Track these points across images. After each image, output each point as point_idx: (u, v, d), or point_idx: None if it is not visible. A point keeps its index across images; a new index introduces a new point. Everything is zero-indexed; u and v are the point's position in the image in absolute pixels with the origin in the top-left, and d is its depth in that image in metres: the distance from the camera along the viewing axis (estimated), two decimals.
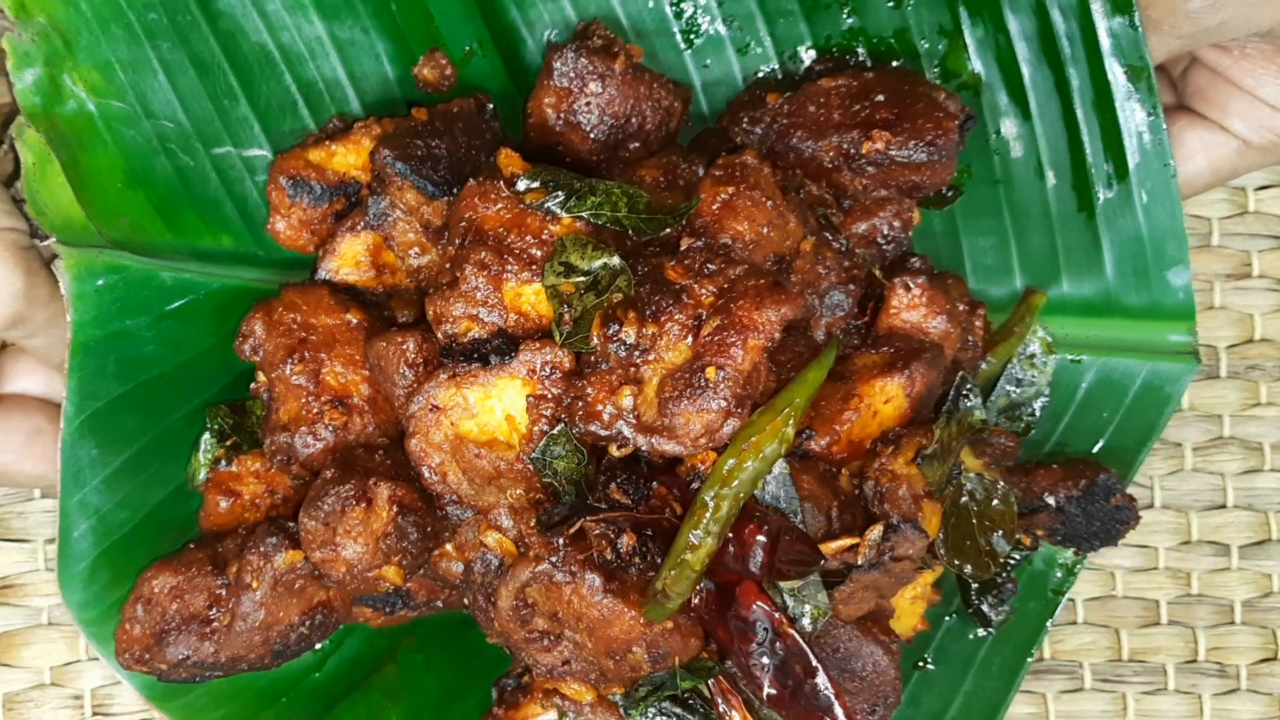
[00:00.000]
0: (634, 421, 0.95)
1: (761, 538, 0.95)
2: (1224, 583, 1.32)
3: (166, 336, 1.16)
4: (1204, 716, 1.32)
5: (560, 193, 1.00)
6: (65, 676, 1.28)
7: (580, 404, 0.96)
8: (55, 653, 1.28)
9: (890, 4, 1.15)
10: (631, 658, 1.01)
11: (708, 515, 0.95)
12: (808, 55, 1.18)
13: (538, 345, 0.98)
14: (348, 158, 1.14)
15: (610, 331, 0.96)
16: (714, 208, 1.00)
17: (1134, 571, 1.32)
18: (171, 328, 1.16)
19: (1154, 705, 1.32)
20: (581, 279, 0.98)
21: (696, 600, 1.00)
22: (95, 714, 1.28)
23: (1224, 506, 1.32)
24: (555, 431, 0.98)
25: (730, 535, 0.97)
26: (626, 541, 0.98)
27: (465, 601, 1.09)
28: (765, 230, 1.00)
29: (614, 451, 0.98)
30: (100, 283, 1.14)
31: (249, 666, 1.10)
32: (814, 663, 0.97)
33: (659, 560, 0.98)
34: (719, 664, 1.04)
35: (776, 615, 0.98)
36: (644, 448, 0.95)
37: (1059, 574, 1.21)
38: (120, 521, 1.14)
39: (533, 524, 1.00)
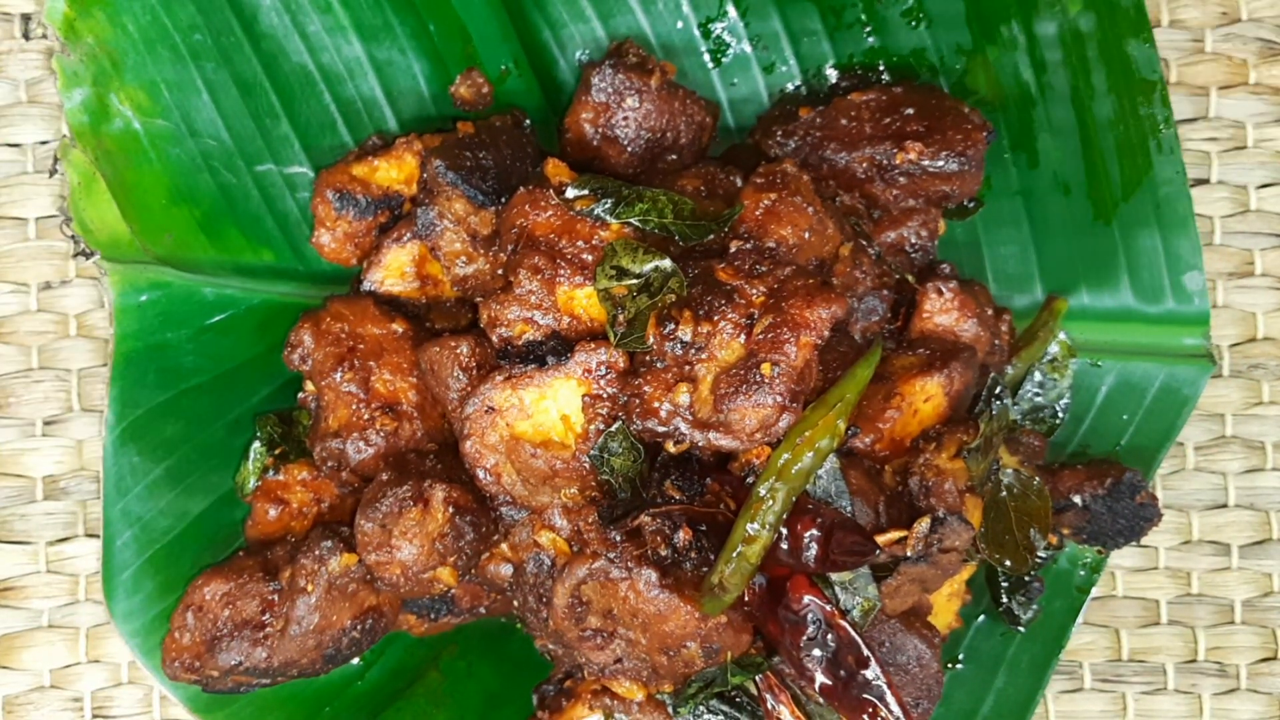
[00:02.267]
0: (690, 418, 0.98)
1: (815, 530, 0.98)
2: (1224, 582, 1.32)
3: (207, 349, 1.18)
4: (1204, 716, 1.32)
5: (609, 199, 1.03)
6: (65, 679, 1.27)
7: (637, 402, 0.99)
8: (55, 655, 1.27)
9: (911, 24, 1.19)
10: (685, 653, 1.03)
11: (764, 508, 0.98)
12: (832, 73, 1.23)
13: (593, 346, 1.00)
14: (390, 172, 1.17)
15: (667, 330, 0.98)
16: (757, 213, 1.03)
17: (1134, 571, 1.32)
18: (212, 340, 1.18)
19: (1154, 705, 1.32)
20: (634, 281, 1.01)
21: (747, 595, 1.03)
22: (95, 716, 1.27)
23: (1225, 506, 1.32)
24: (613, 429, 1.01)
25: (783, 530, 0.99)
26: (683, 536, 1.00)
27: (514, 604, 1.11)
28: (807, 235, 1.03)
29: (670, 448, 1.00)
30: (144, 298, 1.16)
31: (299, 672, 1.11)
32: (866, 653, 1.00)
33: (713, 555, 1.00)
34: (767, 660, 1.06)
35: (828, 608, 1.00)
36: (700, 443, 0.98)
37: (1083, 572, 1.24)
38: (163, 530, 1.16)
39: (592, 520, 1.03)
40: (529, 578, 1.07)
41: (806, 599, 1.00)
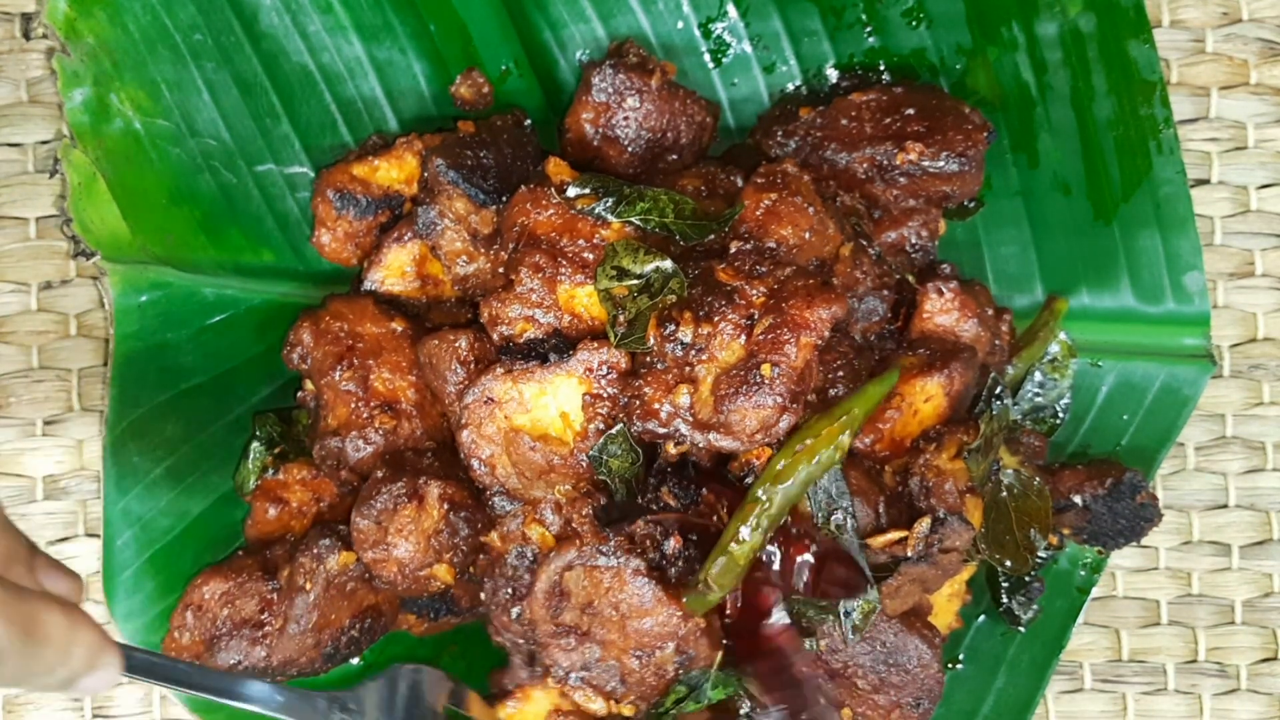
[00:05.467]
0: (691, 419, 0.98)
1: (809, 556, 0.99)
2: (1224, 583, 1.32)
3: (207, 348, 1.19)
4: (1204, 717, 1.31)
5: (610, 198, 1.04)
6: None
7: (638, 403, 0.99)
8: None
9: (911, 24, 1.19)
10: (659, 656, 1.04)
11: (758, 510, 0.98)
12: (832, 73, 1.23)
13: (595, 345, 1.00)
14: (390, 172, 1.17)
15: (667, 331, 0.98)
16: (757, 213, 1.03)
17: (1134, 571, 1.31)
18: (212, 340, 1.19)
19: (1154, 705, 1.31)
20: (634, 282, 1.01)
21: (729, 607, 1.03)
22: (95, 716, 1.27)
23: (1225, 506, 1.32)
24: (614, 431, 1.01)
25: (778, 551, 1.00)
26: (673, 544, 1.01)
27: (483, 593, 1.10)
28: (807, 235, 1.03)
29: (671, 449, 1.00)
30: (144, 298, 1.17)
31: (299, 671, 1.11)
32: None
33: (699, 566, 1.01)
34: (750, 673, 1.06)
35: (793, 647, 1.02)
36: (701, 444, 0.98)
37: (1083, 572, 1.24)
38: (163, 529, 1.16)
39: (586, 512, 1.03)
40: (508, 569, 1.07)
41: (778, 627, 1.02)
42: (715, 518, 1.02)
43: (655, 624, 1.02)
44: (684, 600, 1.01)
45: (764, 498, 0.99)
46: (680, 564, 1.02)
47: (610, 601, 1.03)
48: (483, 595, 1.11)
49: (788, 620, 1.03)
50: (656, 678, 1.05)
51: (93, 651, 0.79)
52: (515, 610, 1.07)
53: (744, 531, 0.99)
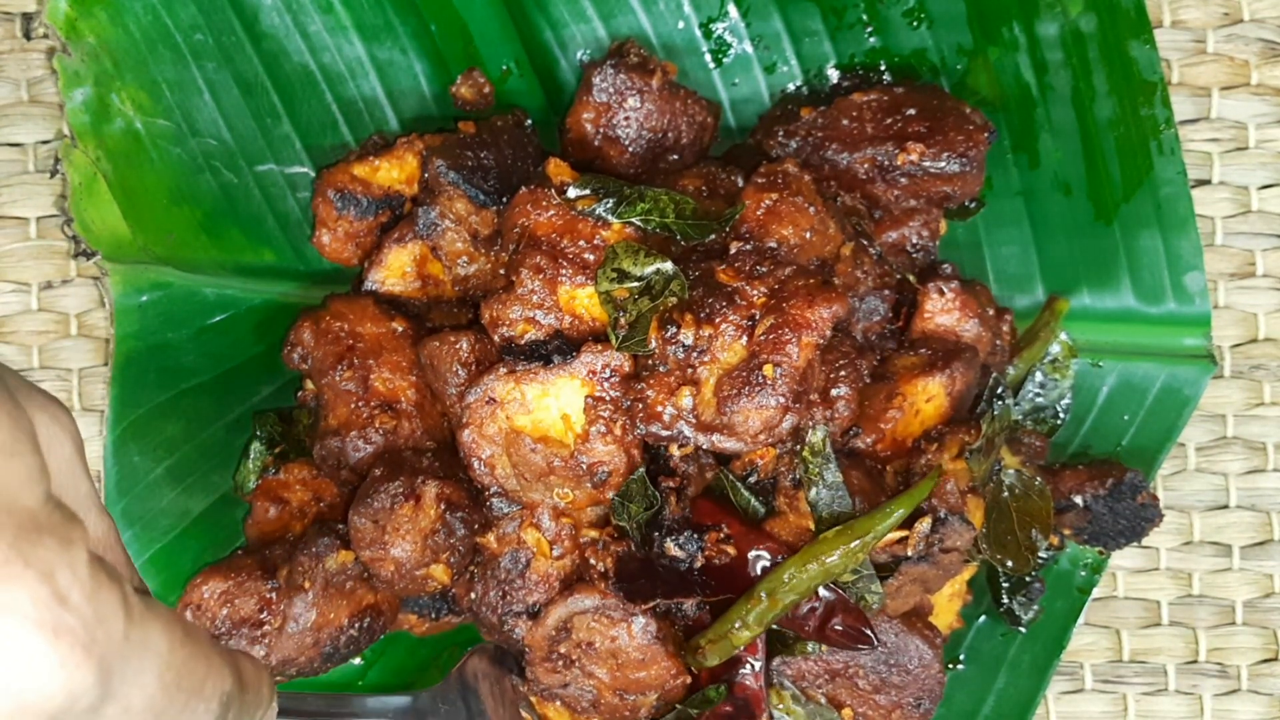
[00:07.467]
0: (694, 421, 0.98)
1: (817, 603, 1.01)
2: (1225, 583, 1.32)
3: (207, 348, 1.19)
4: (1205, 717, 1.31)
5: (610, 199, 1.03)
6: None
7: (640, 406, 0.99)
8: None
9: (912, 25, 1.19)
10: (640, 699, 1.06)
11: (758, 608, 1.01)
12: (833, 73, 1.23)
13: (599, 348, 1.00)
14: (391, 172, 1.17)
15: (669, 334, 0.98)
16: (758, 213, 1.03)
17: (1135, 572, 1.31)
18: (212, 340, 1.19)
19: (1155, 706, 1.31)
20: (635, 284, 1.01)
21: None
22: None
23: (1226, 507, 1.32)
24: (635, 476, 1.02)
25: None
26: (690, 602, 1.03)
27: (472, 593, 1.10)
28: (808, 235, 1.03)
29: (674, 451, 1.01)
30: (145, 298, 1.17)
31: (299, 671, 1.11)
32: None
33: (705, 609, 1.03)
34: (723, 693, 1.07)
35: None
36: (705, 445, 0.98)
37: (1084, 573, 1.24)
38: (163, 529, 1.16)
39: (609, 563, 1.04)
40: (501, 572, 1.07)
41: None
42: (723, 557, 1.04)
43: (648, 675, 1.04)
44: (683, 657, 1.04)
45: (765, 599, 1.01)
46: (694, 613, 1.04)
47: (610, 648, 1.04)
48: (472, 595, 1.11)
49: (759, 681, 1.05)
50: (630, 711, 1.07)
51: (271, 688, 0.77)
52: (517, 631, 1.08)
53: (739, 624, 1.02)
